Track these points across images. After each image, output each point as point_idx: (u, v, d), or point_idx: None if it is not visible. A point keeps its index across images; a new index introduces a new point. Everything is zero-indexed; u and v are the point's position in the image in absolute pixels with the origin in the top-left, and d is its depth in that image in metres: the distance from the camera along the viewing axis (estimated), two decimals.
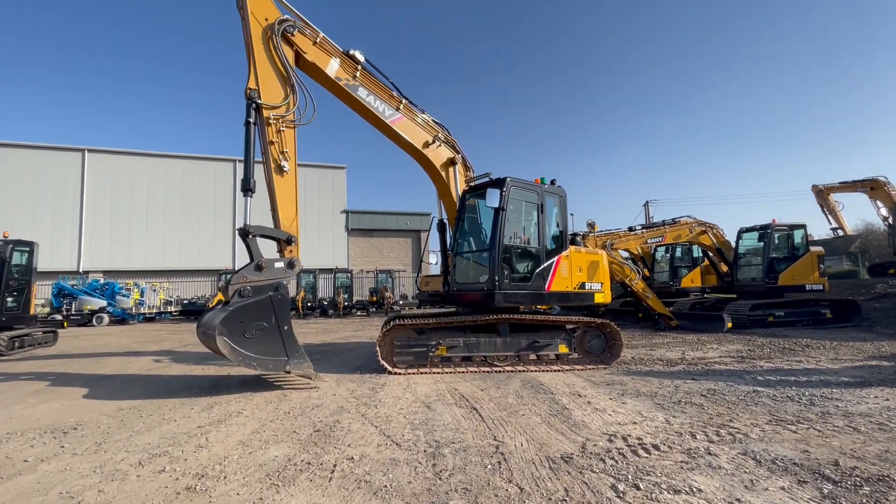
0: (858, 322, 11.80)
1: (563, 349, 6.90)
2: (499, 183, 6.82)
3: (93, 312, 18.77)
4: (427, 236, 9.80)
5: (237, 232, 5.57)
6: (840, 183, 18.01)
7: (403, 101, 7.26)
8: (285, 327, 5.28)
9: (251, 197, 5.54)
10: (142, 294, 21.04)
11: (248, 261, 5.33)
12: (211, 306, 19.40)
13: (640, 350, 8.57)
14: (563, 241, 7.38)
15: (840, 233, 18.92)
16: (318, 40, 6.41)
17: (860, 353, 7.79)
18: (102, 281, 21.37)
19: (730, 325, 11.27)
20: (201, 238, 28.51)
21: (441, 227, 7.85)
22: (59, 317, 17.89)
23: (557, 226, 7.46)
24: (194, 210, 28.55)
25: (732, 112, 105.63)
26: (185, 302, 22.22)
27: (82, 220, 26.33)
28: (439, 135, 7.71)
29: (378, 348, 6.41)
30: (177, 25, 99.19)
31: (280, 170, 5.73)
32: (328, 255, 30.39)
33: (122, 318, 19.49)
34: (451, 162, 7.87)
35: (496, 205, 6.58)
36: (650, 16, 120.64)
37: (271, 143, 5.68)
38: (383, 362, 6.39)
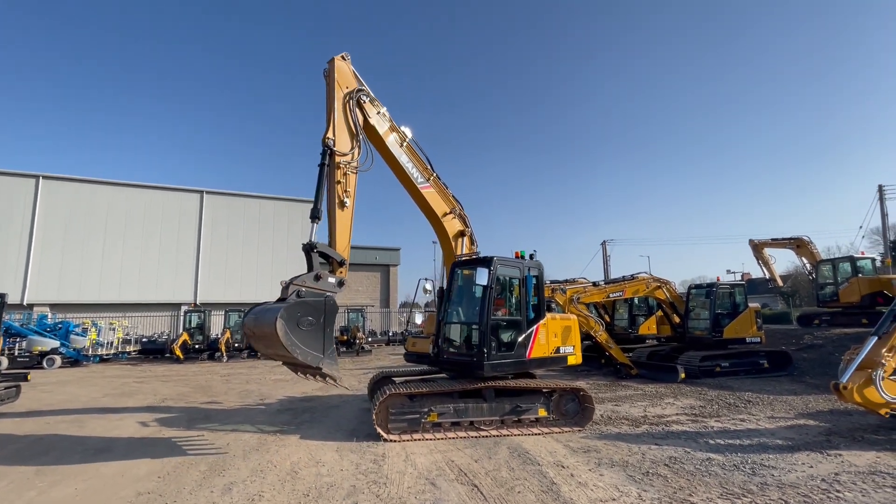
0: (791, 371, 13.32)
1: (542, 413, 7.61)
2: (486, 262, 7.59)
3: (43, 354, 17.73)
4: (415, 295, 10.44)
5: (302, 246, 6.35)
6: (772, 239, 20.26)
7: (434, 174, 8.65)
8: (328, 329, 5.94)
9: (316, 224, 6.47)
10: (98, 333, 20.10)
11: (307, 271, 6.14)
12: (177, 346, 18.86)
13: (607, 405, 9.41)
14: (541, 309, 8.20)
15: (772, 284, 21.11)
16: (380, 111, 7.91)
17: (792, 409, 8.97)
18: (51, 317, 20.28)
19: (683, 375, 12.45)
20: (162, 271, 27.62)
21: (441, 294, 8.47)
22: (3, 360, 16.79)
23: (535, 296, 8.29)
24: (156, 241, 27.72)
25: (692, 153, 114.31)
26: (144, 340, 21.34)
27: (31, 249, 24.95)
28: (456, 208, 8.85)
29: (374, 416, 6.86)
30: (149, 51, 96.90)
31: (342, 205, 6.85)
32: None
33: (75, 360, 18.50)
34: (461, 234, 8.88)
35: (484, 282, 7.31)
36: (610, 56, 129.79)
37: (338, 182, 6.83)
38: (379, 430, 6.83)
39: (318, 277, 5.99)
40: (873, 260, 17.36)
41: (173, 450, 6.52)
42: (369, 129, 7.71)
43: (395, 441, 6.77)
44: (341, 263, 6.58)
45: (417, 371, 9.58)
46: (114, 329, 20.92)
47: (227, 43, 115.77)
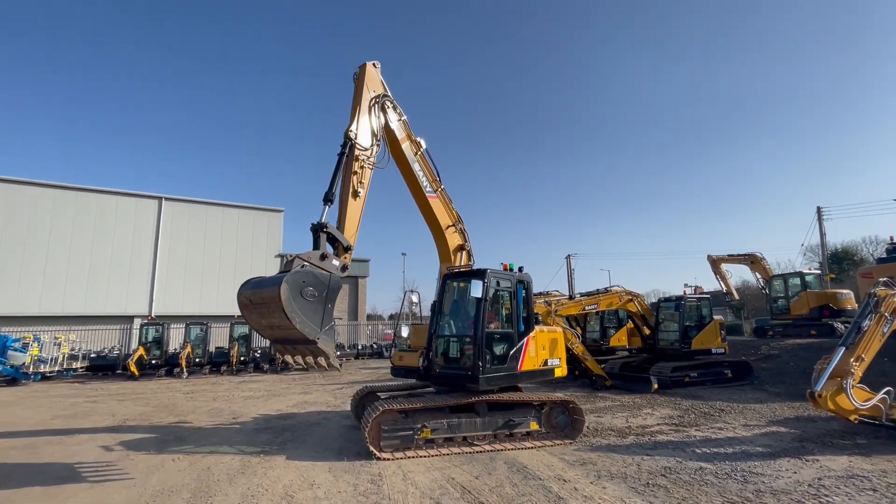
0: (752, 380, 14.06)
1: (534, 426, 7.60)
2: (480, 274, 7.57)
3: None
4: (400, 308, 10.40)
5: (311, 227, 6.41)
6: (728, 255, 21.52)
7: (442, 186, 9.06)
8: (329, 306, 5.88)
9: (328, 207, 6.66)
10: (41, 348, 18.45)
11: (314, 249, 6.23)
12: (132, 361, 17.52)
13: (590, 417, 9.53)
14: (530, 322, 8.25)
15: (728, 297, 22.35)
16: (402, 119, 8.49)
17: (762, 416, 9.42)
18: None
19: (656, 386, 12.86)
20: (113, 281, 25.85)
21: (433, 310, 8.34)
22: None
23: (525, 309, 8.34)
24: (107, 250, 25.96)
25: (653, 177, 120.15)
26: (92, 355, 19.76)
27: None
28: (458, 223, 9.20)
29: (367, 433, 6.61)
30: (102, 47, 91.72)
31: (356, 194, 7.13)
32: None
33: (13, 378, 16.85)
34: (461, 248, 9.12)
35: (479, 295, 7.28)
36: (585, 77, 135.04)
37: (354, 173, 7.12)
38: (372, 448, 6.59)
39: (323, 256, 6.10)
40: (819, 275, 18.74)
41: (148, 476, 6.01)
42: (389, 133, 8.23)
43: (388, 459, 6.55)
44: (347, 249, 6.71)
45: (403, 386, 9.38)
46: (58, 344, 19.22)
47: (194, 41, 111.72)
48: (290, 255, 5.93)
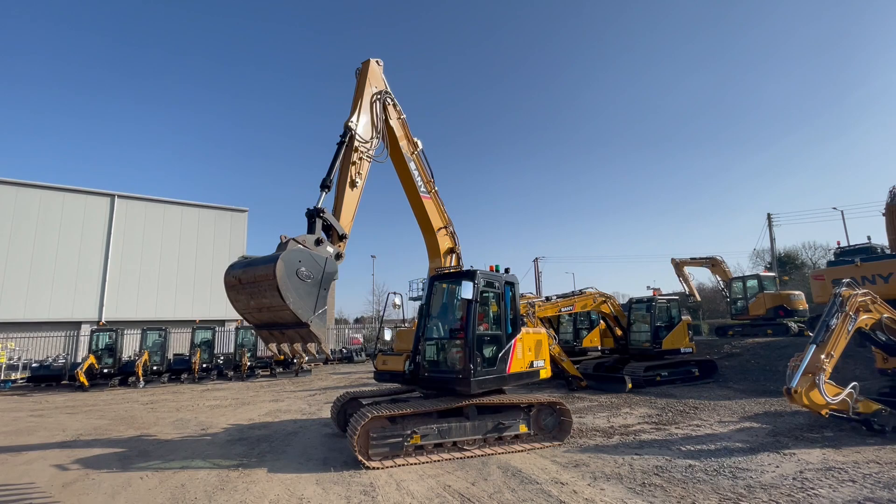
0: (717, 378, 14.67)
1: (522, 429, 7.53)
2: (470, 275, 7.45)
3: None
4: (382, 311, 10.15)
5: (307, 211, 6.28)
6: (691, 258, 22.47)
7: (435, 188, 9.08)
8: (323, 290, 5.78)
9: (324, 194, 6.59)
10: None
11: (308, 233, 6.10)
12: (82, 371, 16.16)
13: (573, 418, 9.57)
14: (517, 324, 8.19)
15: (691, 299, 23.34)
16: (401, 117, 8.59)
17: (733, 413, 9.79)
18: None
19: (630, 385, 13.16)
20: (58, 284, 23.95)
21: (421, 313, 8.12)
22: None
23: (511, 311, 8.27)
24: (51, 251, 24.04)
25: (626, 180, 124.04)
26: (34, 365, 18.15)
27: None
28: (449, 226, 9.21)
29: (355, 442, 6.31)
30: (51, 39, 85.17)
31: (353, 184, 7.11)
32: (220, 306, 27.67)
33: None
34: (451, 251, 9.08)
35: (469, 296, 7.15)
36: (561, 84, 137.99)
37: (353, 163, 7.13)
38: (360, 457, 6.30)
39: (318, 242, 6.01)
40: (775, 278, 19.86)
41: (114, 497, 5.47)
42: (388, 129, 8.30)
43: (377, 468, 6.27)
44: (342, 237, 6.66)
45: (386, 391, 9.10)
46: None
47: (155, 32, 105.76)
48: (285, 237, 5.71)
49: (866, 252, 15.32)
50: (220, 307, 27.31)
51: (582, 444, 7.53)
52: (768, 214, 31.80)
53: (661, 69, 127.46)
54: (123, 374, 17.67)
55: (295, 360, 20.39)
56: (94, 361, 17.11)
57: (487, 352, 7.59)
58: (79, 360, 18.87)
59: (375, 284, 48.92)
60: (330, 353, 25.80)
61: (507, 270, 8.52)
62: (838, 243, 17.20)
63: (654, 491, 5.25)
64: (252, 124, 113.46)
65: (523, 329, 8.32)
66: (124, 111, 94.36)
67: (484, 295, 7.79)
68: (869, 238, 16.12)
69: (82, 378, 16.28)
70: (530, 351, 8.34)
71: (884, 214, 14.51)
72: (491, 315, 8.02)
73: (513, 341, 7.88)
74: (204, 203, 29.45)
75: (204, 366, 18.97)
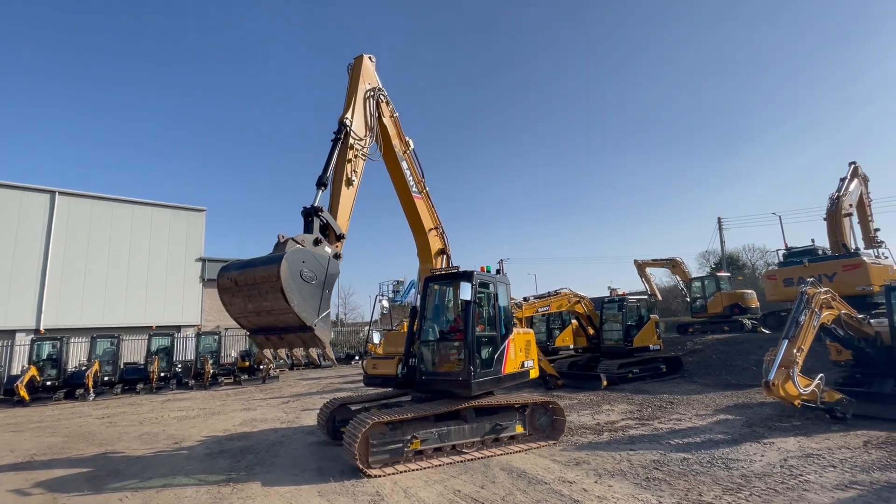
0: (682, 374, 15.43)
1: (518, 429, 7.56)
2: (468, 276, 7.39)
3: None
4: (371, 314, 9.87)
5: (303, 210, 6.15)
6: (652, 260, 23.48)
7: (426, 189, 9.02)
8: (327, 291, 5.60)
9: (322, 191, 6.48)
10: None
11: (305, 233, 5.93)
12: (23, 384, 14.65)
13: None
14: (510, 324, 8.22)
15: (652, 299, 24.40)
16: (394, 115, 8.52)
17: (707, 406, 10.28)
18: None
19: (605, 383, 13.56)
20: None
21: (414, 314, 7.96)
22: None
23: (504, 311, 8.30)
24: None
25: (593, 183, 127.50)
26: None
27: None
28: (440, 227, 9.18)
29: (354, 449, 6.09)
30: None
31: (349, 182, 6.98)
32: (176, 311, 26.11)
33: None
34: (442, 252, 9.01)
35: (468, 297, 7.09)
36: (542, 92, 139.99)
37: (348, 160, 7.00)
38: (360, 465, 6.09)
39: (317, 242, 5.83)
40: (730, 278, 21.14)
41: None
42: (381, 126, 8.19)
43: (378, 476, 6.08)
44: (339, 237, 6.49)
45: (375, 396, 8.89)
46: None
47: (112, 28, 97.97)
48: (283, 236, 5.49)
49: (811, 254, 16.65)
50: (176, 312, 25.77)
51: (576, 443, 7.64)
52: (718, 218, 33.90)
53: (620, 75, 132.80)
54: (69, 386, 16.21)
55: (262, 367, 19.55)
56: (35, 373, 15.60)
57: (485, 353, 7.55)
58: (15, 372, 17.16)
59: (341, 287, 47.75)
60: (334, 358, 24.90)
61: (497, 271, 8.55)
62: (786, 245, 18.58)
63: (660, 485, 5.40)
64: (214, 123, 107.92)
65: (515, 329, 8.37)
66: (74, 100, 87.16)
67: (479, 296, 7.76)
68: (813, 241, 17.54)
69: (22, 392, 14.80)
70: (521, 351, 8.39)
71: (825, 220, 15.87)
72: (486, 316, 8.00)
73: (506, 342, 7.90)
74: (158, 202, 27.66)
75: (162, 375, 17.76)
